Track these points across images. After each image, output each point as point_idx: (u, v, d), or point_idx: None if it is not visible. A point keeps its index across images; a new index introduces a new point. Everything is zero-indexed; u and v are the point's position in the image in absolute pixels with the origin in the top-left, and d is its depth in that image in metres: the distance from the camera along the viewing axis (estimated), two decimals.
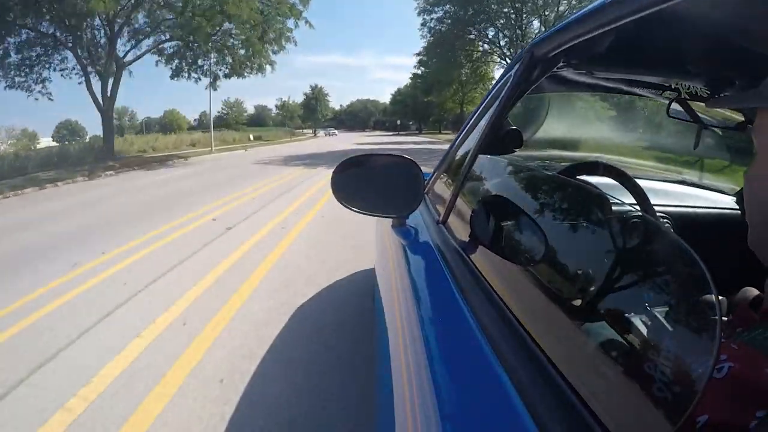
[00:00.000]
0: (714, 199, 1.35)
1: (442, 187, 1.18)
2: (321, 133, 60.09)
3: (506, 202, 0.65)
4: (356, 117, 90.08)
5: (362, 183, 1.00)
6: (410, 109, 61.85)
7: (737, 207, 1.24)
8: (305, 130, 67.53)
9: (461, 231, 0.80)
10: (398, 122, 70.14)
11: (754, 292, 0.47)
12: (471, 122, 1.11)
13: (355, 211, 0.97)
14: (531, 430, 0.33)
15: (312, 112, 71.19)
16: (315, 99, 71.74)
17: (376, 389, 0.91)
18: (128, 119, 71.21)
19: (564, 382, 0.36)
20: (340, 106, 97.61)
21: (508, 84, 0.82)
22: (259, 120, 77.38)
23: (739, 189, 1.34)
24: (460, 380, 0.48)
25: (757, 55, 0.64)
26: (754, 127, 0.40)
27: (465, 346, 0.51)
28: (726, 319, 0.43)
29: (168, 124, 68.56)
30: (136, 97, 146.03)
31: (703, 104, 1.07)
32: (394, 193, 1.01)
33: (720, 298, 0.24)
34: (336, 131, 59.67)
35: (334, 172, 0.99)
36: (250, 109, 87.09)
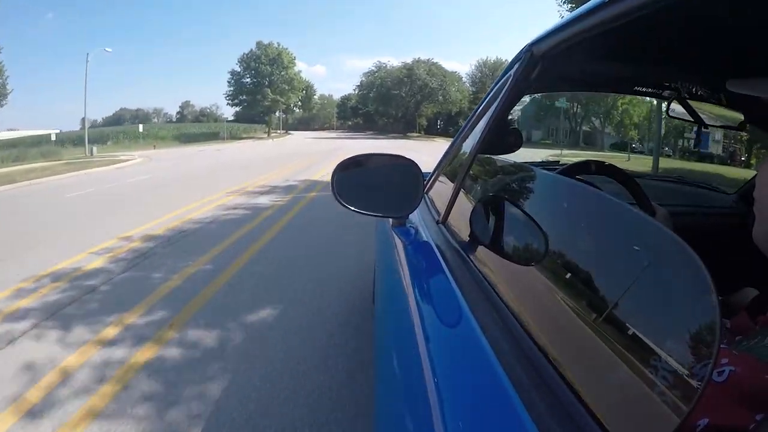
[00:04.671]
0: (714, 199, 1.35)
1: (442, 187, 1.18)
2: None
3: (506, 201, 0.65)
4: (389, 101, 42.48)
5: (362, 183, 1.00)
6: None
7: (737, 207, 1.24)
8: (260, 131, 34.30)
9: (461, 231, 0.80)
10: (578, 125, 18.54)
11: (754, 292, 0.47)
12: (471, 122, 1.11)
13: (356, 211, 0.97)
14: (531, 430, 0.33)
15: (255, 89, 34.23)
16: (255, 64, 33.74)
17: (375, 389, 0.90)
18: None
19: (564, 383, 0.36)
20: (360, 81, 46.97)
21: (508, 83, 0.82)
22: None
23: (738, 189, 1.34)
24: (460, 380, 0.48)
25: (758, 53, 0.64)
26: None
27: (465, 346, 0.51)
28: (726, 326, 0.42)
29: None
30: None
31: (702, 104, 1.07)
32: (394, 192, 1.00)
33: (720, 298, 0.24)
34: None
35: (334, 171, 0.99)
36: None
